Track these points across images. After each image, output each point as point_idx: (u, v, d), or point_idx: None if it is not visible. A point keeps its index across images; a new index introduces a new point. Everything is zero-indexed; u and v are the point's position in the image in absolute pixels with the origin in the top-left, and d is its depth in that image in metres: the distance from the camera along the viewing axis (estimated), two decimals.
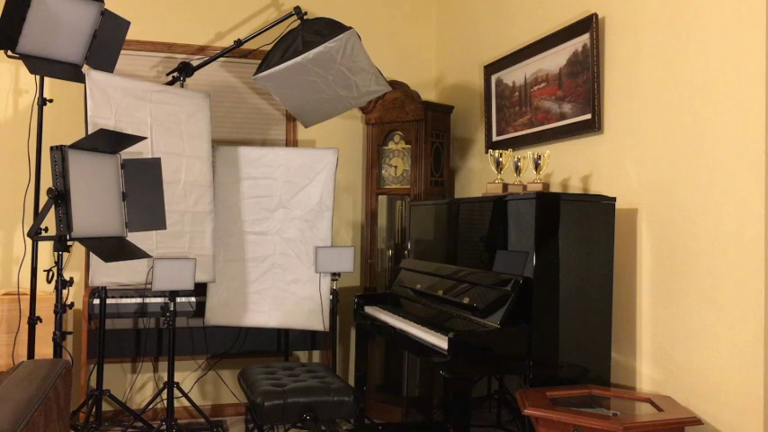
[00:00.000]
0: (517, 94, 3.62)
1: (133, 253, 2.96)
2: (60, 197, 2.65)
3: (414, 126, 4.12)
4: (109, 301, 3.73)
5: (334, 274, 3.87)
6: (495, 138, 3.88)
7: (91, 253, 3.19)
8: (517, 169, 3.21)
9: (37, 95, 3.38)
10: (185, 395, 3.77)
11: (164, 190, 3.12)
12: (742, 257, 2.26)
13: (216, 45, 4.24)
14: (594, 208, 2.73)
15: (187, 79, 3.89)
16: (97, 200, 2.87)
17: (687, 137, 2.51)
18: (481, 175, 4.04)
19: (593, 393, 2.58)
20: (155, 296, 3.75)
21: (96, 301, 3.72)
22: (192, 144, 3.69)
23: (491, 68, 3.88)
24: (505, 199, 2.92)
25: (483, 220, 3.11)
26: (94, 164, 2.87)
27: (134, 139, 3.00)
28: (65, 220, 2.65)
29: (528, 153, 3.26)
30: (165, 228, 3.12)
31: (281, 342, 4.12)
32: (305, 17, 3.80)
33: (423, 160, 4.08)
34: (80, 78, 3.36)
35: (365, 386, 3.75)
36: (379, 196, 4.34)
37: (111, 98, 3.37)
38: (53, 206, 2.68)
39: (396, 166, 4.28)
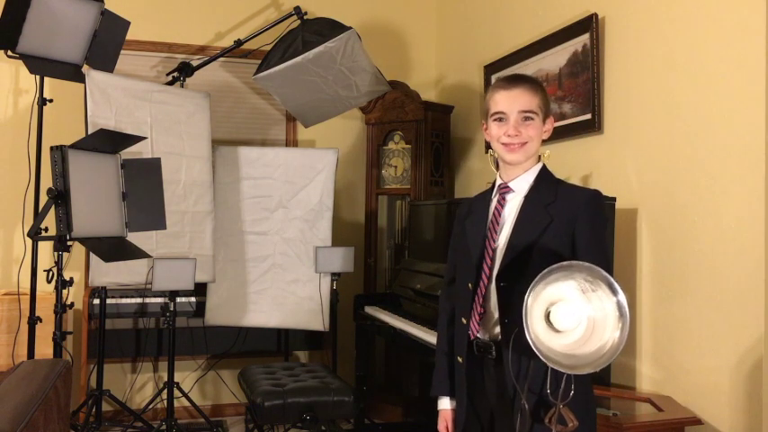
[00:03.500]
0: None
1: (133, 253, 2.95)
2: (60, 197, 2.65)
3: (414, 126, 4.11)
4: (109, 301, 3.72)
5: (334, 274, 3.86)
6: None
7: (91, 253, 3.19)
8: None
9: (37, 95, 3.37)
10: (185, 395, 3.76)
11: (164, 190, 3.12)
12: (742, 257, 2.25)
13: (216, 45, 4.24)
14: None
15: (187, 79, 3.89)
16: (97, 200, 2.87)
17: (687, 137, 2.51)
18: (481, 175, 4.04)
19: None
20: (155, 296, 3.74)
21: (96, 301, 3.72)
22: (192, 144, 3.69)
23: (491, 68, 3.88)
24: None
25: None
26: (94, 164, 2.87)
27: (134, 139, 3.00)
28: (65, 220, 2.65)
29: None
30: (165, 228, 3.12)
31: (281, 342, 4.11)
32: (305, 17, 3.80)
33: (423, 160, 4.08)
34: (80, 78, 3.36)
35: (365, 386, 3.75)
36: (379, 196, 4.34)
37: (111, 98, 3.37)
38: (53, 206, 2.68)
39: (396, 166, 4.28)
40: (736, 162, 2.29)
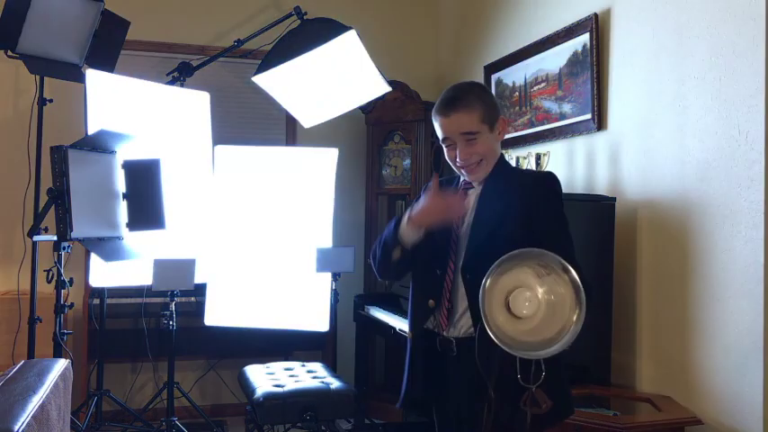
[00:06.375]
0: (517, 93, 3.62)
1: (133, 253, 2.96)
2: (60, 197, 2.65)
3: (414, 126, 4.11)
4: (109, 301, 3.72)
5: (334, 274, 3.86)
6: None
7: (91, 253, 3.19)
8: None
9: (37, 95, 3.37)
10: (185, 395, 3.76)
11: (164, 190, 3.12)
12: (742, 257, 2.25)
13: (216, 45, 4.23)
14: (594, 208, 2.73)
15: (187, 79, 3.89)
16: (97, 200, 2.87)
17: (687, 136, 2.51)
18: None
19: (593, 393, 2.58)
20: (155, 296, 3.73)
21: (96, 301, 3.72)
22: (192, 144, 3.69)
23: (491, 68, 3.88)
24: None
25: None
26: (94, 164, 2.87)
27: (134, 139, 3.00)
28: (65, 220, 2.66)
29: (528, 153, 3.26)
30: (164, 228, 3.12)
31: (281, 342, 4.11)
32: (305, 17, 3.80)
33: (423, 160, 4.08)
34: (80, 78, 3.36)
35: (365, 386, 3.75)
36: (379, 196, 4.34)
37: (111, 98, 3.37)
38: (53, 206, 2.68)
39: (396, 166, 4.28)
40: (736, 162, 2.29)
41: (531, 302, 1.57)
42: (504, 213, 1.75)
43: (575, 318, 1.54)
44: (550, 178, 1.81)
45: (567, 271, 1.55)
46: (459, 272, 1.78)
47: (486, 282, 1.55)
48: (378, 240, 1.92)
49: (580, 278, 1.53)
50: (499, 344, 1.52)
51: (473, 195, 1.85)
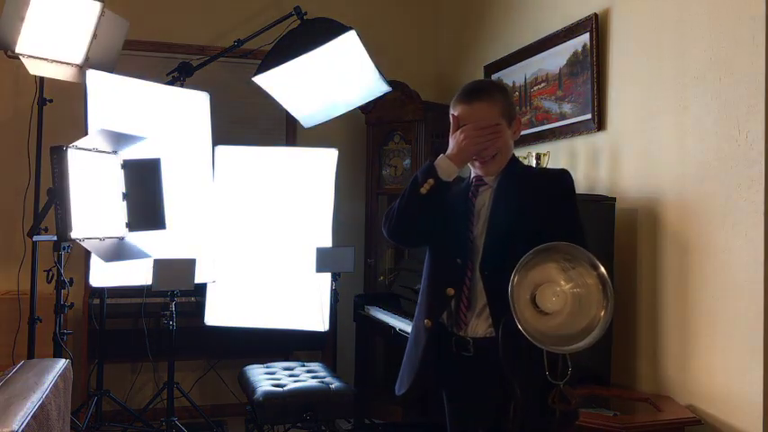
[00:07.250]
0: (517, 93, 3.62)
1: (133, 253, 2.96)
2: (60, 197, 2.65)
3: (414, 126, 4.11)
4: (109, 301, 3.72)
5: (334, 274, 3.86)
6: None
7: (91, 253, 3.19)
8: None
9: (37, 95, 3.37)
10: (185, 395, 3.76)
11: (164, 190, 3.12)
12: (742, 257, 2.25)
13: (216, 45, 4.23)
14: (594, 208, 2.73)
15: (187, 79, 3.89)
16: (97, 200, 2.87)
17: (687, 136, 2.51)
18: None
19: (593, 393, 2.58)
20: (155, 296, 3.73)
21: (96, 301, 3.71)
22: (192, 144, 3.69)
23: (491, 68, 3.88)
24: None
25: None
26: (94, 164, 2.87)
27: (134, 139, 3.00)
28: (64, 220, 2.65)
29: (528, 153, 3.26)
30: (164, 228, 3.12)
31: (281, 342, 4.11)
32: (305, 17, 3.79)
33: (422, 160, 4.08)
34: (80, 78, 3.36)
35: (365, 386, 3.75)
36: (379, 196, 4.34)
37: (111, 98, 3.37)
38: (53, 206, 2.68)
39: (396, 166, 4.28)
40: (736, 162, 2.29)
41: (559, 297, 1.57)
42: (520, 211, 1.74)
43: (602, 313, 1.54)
44: (565, 176, 1.81)
45: (595, 267, 1.56)
46: (477, 268, 1.77)
47: (514, 278, 1.54)
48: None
49: None
50: (531, 339, 1.52)
51: (487, 192, 1.83)
